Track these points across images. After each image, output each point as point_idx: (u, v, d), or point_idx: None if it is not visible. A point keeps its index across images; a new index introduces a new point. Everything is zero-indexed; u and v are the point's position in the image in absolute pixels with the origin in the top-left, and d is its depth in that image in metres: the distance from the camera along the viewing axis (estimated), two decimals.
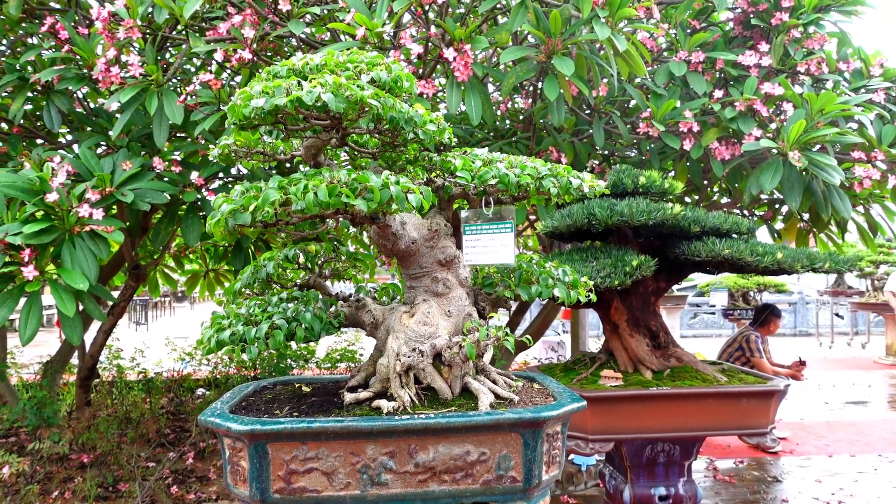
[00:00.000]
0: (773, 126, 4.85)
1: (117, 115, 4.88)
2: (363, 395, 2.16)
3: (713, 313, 11.99)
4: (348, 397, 2.16)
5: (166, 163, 4.76)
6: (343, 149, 2.51)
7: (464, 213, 2.33)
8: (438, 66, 4.50)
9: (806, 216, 6.19)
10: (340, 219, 2.15)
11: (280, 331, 2.09)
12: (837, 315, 9.55)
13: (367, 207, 1.84)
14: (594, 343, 7.07)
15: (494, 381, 2.28)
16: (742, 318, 7.48)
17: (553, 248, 6.34)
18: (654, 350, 4.44)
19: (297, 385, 2.55)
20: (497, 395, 2.18)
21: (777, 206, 6.17)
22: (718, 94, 4.76)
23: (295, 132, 2.17)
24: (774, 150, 4.60)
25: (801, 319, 11.04)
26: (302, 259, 2.51)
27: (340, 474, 1.99)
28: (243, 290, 2.46)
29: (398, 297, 2.65)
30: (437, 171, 2.32)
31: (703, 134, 4.81)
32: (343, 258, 2.58)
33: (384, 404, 2.06)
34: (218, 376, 7.34)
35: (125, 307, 6.43)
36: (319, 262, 2.56)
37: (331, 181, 1.83)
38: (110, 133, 4.93)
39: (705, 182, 5.68)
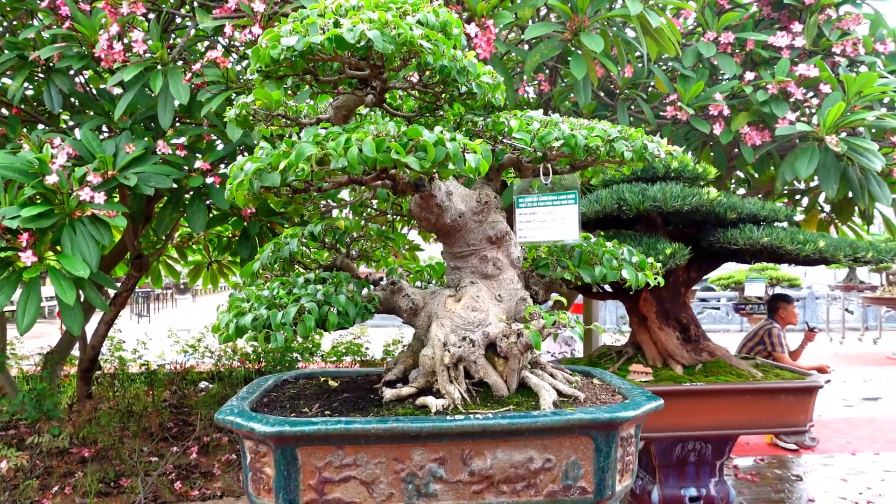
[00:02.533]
0: (805, 110, 4.52)
1: (120, 97, 4.52)
2: (405, 390, 1.81)
3: (718, 308, 11.69)
4: (388, 393, 1.81)
5: (171, 146, 4.42)
6: (373, 112, 2.16)
7: (518, 183, 1.98)
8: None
9: (828, 207, 5.87)
10: (379, 186, 1.80)
11: (311, 315, 1.73)
12: (847, 311, 9.26)
13: (420, 166, 1.48)
14: (607, 338, 6.72)
15: (552, 376, 1.93)
16: (754, 313, 7.16)
17: None
18: (684, 343, 4.10)
19: (322, 379, 2.20)
20: (559, 392, 1.83)
21: (798, 196, 5.85)
22: (750, 76, 4.42)
23: (326, 85, 1.81)
24: (809, 135, 4.28)
25: (811, 315, 10.72)
26: (328, 238, 2.16)
27: (382, 484, 1.63)
28: (262, 271, 2.10)
29: (434, 282, 2.30)
30: (486, 137, 1.97)
31: (733, 118, 4.47)
32: (373, 236, 2.22)
33: (432, 402, 1.71)
34: (221, 369, 6.97)
35: (127, 297, 6.05)
36: (348, 240, 2.20)
37: (377, 134, 1.47)
38: (113, 116, 4.58)
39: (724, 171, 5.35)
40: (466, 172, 1.58)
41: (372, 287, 2.06)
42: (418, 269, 2.29)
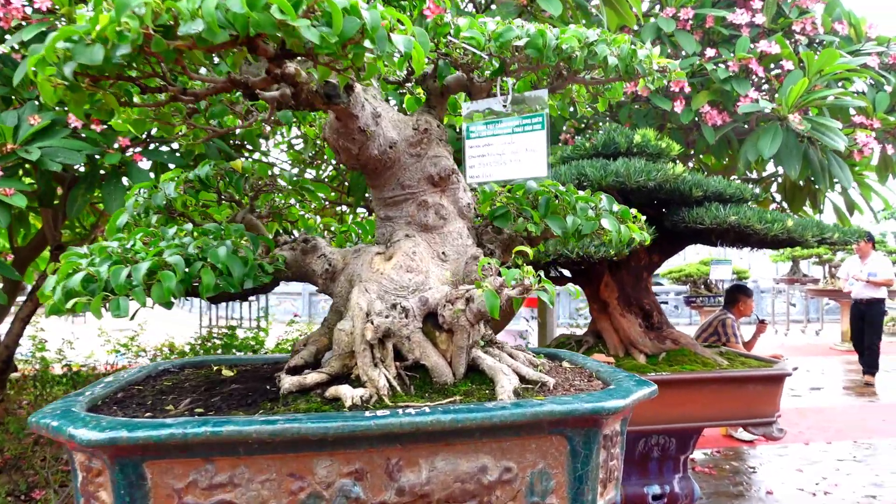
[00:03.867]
0: (766, 88, 4.17)
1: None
2: (312, 378, 1.24)
3: (666, 302, 11.45)
4: (287, 383, 1.24)
5: (84, 120, 3.75)
6: None
7: (466, 107, 1.45)
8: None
9: (778, 197, 5.57)
10: (276, 97, 1.24)
11: (172, 273, 1.16)
12: (791, 304, 9.13)
13: (321, 40, 0.93)
14: (563, 331, 6.25)
15: (512, 357, 1.40)
16: (704, 306, 6.86)
17: None
18: (647, 331, 3.64)
19: (214, 367, 1.61)
20: (522, 378, 1.30)
21: (751, 185, 5.53)
22: (710, 52, 4.03)
23: None
24: (772, 114, 3.92)
25: (757, 307, 10.60)
26: (223, 186, 1.58)
27: None
28: (134, 226, 1.51)
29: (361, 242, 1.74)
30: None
31: (694, 97, 4.07)
32: (285, 187, 1.65)
33: (346, 392, 1.16)
34: None
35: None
36: (250, 191, 1.63)
37: None
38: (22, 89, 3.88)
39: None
40: (392, 66, 1.04)
41: (279, 248, 1.50)
42: (344, 230, 1.73)
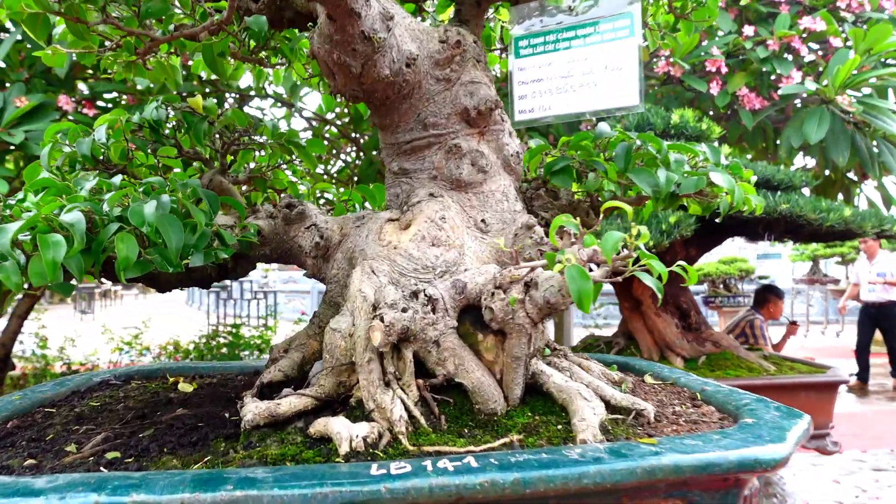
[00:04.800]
0: (809, 69, 3.68)
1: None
2: (287, 405, 0.76)
3: None
4: (252, 411, 0.76)
5: (76, 103, 3.37)
6: None
7: (515, 13, 0.97)
8: None
9: (806, 191, 5.07)
10: None
11: (62, 240, 0.69)
12: (809, 304, 8.59)
13: None
14: (579, 333, 5.75)
15: (582, 368, 0.92)
16: (724, 307, 6.34)
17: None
18: (684, 332, 3.15)
19: (170, 379, 1.14)
20: (605, 402, 0.82)
21: None
22: (749, 30, 3.54)
23: None
24: (811, 97, 3.43)
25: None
26: (182, 136, 1.11)
27: None
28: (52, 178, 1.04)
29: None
30: None
31: (730, 79, 3.58)
32: (268, 141, 1.18)
33: (341, 430, 0.68)
34: None
35: (43, 289, 4.83)
36: (219, 143, 1.16)
37: None
38: (9, 70, 3.48)
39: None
40: None
41: (255, 215, 1.03)
42: (345, 198, 1.25)
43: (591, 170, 0.98)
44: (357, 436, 0.68)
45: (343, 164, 5.22)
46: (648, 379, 1.07)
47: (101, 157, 1.05)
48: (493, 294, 0.78)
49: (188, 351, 5.93)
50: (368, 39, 0.84)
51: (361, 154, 4.92)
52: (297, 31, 1.17)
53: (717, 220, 1.08)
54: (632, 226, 0.66)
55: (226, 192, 1.18)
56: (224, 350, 5.55)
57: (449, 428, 0.76)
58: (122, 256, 0.73)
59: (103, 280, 0.86)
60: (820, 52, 3.56)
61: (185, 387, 1.08)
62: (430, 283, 0.85)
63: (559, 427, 0.77)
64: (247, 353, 5.72)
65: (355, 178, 5.04)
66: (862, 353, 6.79)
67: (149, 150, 1.17)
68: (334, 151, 5.22)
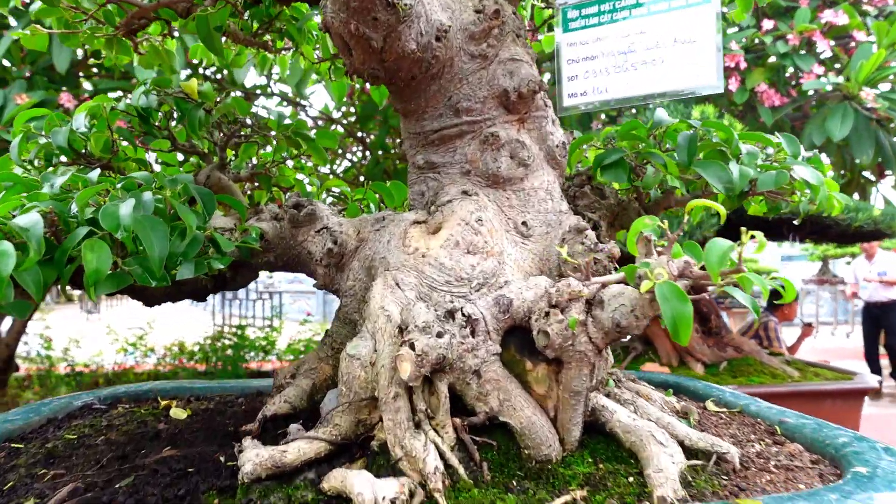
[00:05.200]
0: (831, 64, 3.51)
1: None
2: (295, 452, 0.61)
3: None
4: (251, 462, 0.60)
5: (78, 100, 3.27)
6: None
7: None
8: None
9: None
10: None
11: (12, 249, 0.53)
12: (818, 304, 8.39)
13: None
14: None
15: (642, 396, 0.77)
16: (733, 307, 6.17)
17: None
18: (705, 337, 2.99)
19: (162, 402, 0.98)
20: (681, 443, 0.67)
21: None
22: (768, 24, 3.38)
23: None
24: (831, 93, 3.27)
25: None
26: (176, 126, 0.96)
27: None
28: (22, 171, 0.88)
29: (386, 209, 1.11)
30: None
31: (748, 75, 3.42)
32: (267, 132, 1.03)
33: (364, 490, 0.54)
34: (165, 370, 5.61)
35: (47, 288, 4.68)
36: (218, 135, 1.00)
37: None
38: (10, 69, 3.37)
39: None
40: None
41: (258, 216, 0.87)
42: (359, 197, 1.10)
43: (645, 163, 0.83)
44: (384, 498, 0.52)
45: (350, 164, 5.07)
46: (711, 406, 0.91)
47: (84, 150, 0.90)
48: (546, 314, 0.62)
49: (193, 352, 5.79)
50: (392, 6, 0.69)
51: (367, 153, 4.77)
52: (306, 6, 1.02)
53: (794, 223, 0.92)
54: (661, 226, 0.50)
55: (225, 190, 1.03)
56: (229, 352, 5.41)
57: (493, 479, 0.61)
58: (91, 269, 0.57)
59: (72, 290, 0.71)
60: (836, 47, 3.39)
61: (178, 413, 0.93)
62: (467, 297, 0.69)
63: (630, 479, 0.61)
64: (252, 354, 5.58)
65: (361, 178, 4.89)
66: (871, 356, 6.59)
67: (139, 143, 1.02)
68: (340, 151, 5.07)
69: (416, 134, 0.82)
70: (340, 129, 4.81)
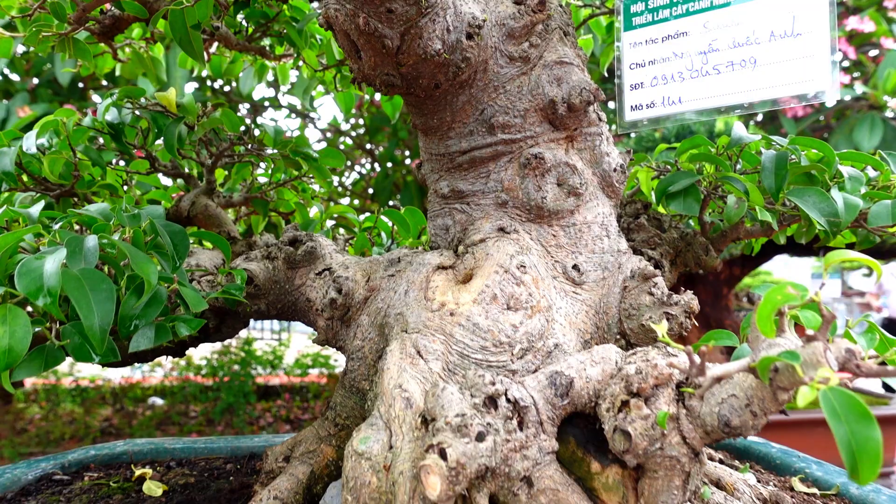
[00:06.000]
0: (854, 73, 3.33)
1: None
2: None
3: None
4: None
5: (83, 113, 3.06)
6: None
7: None
8: None
9: None
10: None
11: None
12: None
13: None
14: None
15: (719, 490, 0.59)
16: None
17: None
18: (730, 358, 2.80)
19: (136, 471, 0.81)
20: None
21: None
22: None
23: None
24: (853, 102, 3.09)
25: None
26: (152, 141, 0.80)
27: None
28: None
29: (395, 243, 0.94)
30: None
31: None
32: (263, 150, 0.86)
33: None
34: (172, 383, 5.47)
35: None
36: (205, 154, 0.84)
37: None
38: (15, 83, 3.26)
39: None
40: None
41: (250, 253, 0.71)
42: (368, 226, 0.93)
43: (714, 188, 0.65)
44: None
45: (359, 176, 4.92)
46: (798, 485, 0.73)
47: (39, 176, 0.74)
48: (624, 404, 0.45)
49: (199, 367, 5.64)
50: None
51: (377, 165, 4.62)
52: (308, 5, 0.86)
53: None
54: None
55: (212, 219, 0.86)
56: (236, 367, 5.27)
57: None
58: (2, 348, 0.41)
59: None
60: (862, 54, 3.21)
61: (153, 489, 0.75)
62: (507, 367, 0.52)
63: None
64: (258, 368, 5.42)
65: (370, 190, 4.74)
66: None
67: (114, 162, 0.86)
68: (349, 163, 4.92)
69: (440, 155, 0.65)
70: (349, 141, 4.67)
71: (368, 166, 4.84)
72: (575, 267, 0.62)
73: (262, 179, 1.01)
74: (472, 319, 0.55)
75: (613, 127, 0.69)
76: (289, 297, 0.70)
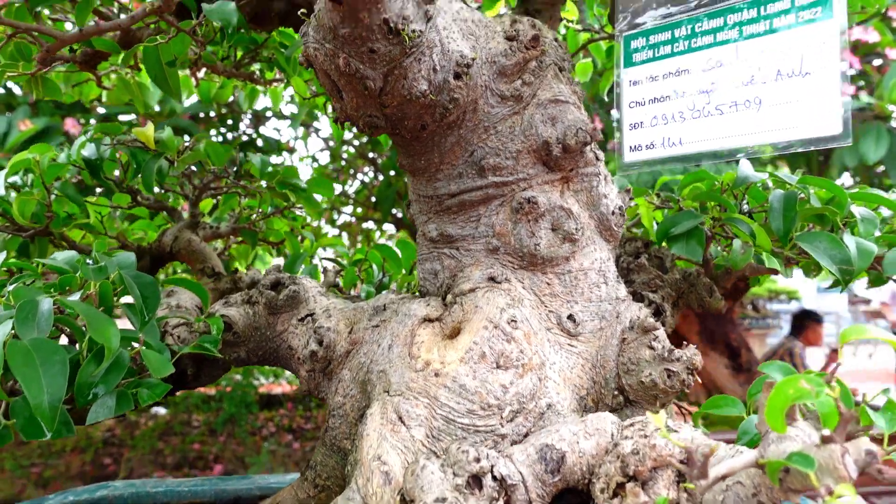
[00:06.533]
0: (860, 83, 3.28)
1: None
2: None
3: None
4: None
5: (83, 126, 3.11)
6: None
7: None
8: None
9: None
10: None
11: None
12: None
13: None
14: None
15: None
16: (752, 329, 5.88)
17: None
18: (735, 374, 2.75)
19: None
20: None
21: None
22: None
23: None
24: (859, 112, 3.04)
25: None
26: (132, 176, 0.76)
27: None
28: None
29: (388, 283, 0.90)
30: None
31: None
32: (249, 182, 0.83)
33: None
34: (175, 393, 5.41)
35: None
36: (189, 187, 0.81)
37: None
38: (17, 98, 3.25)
39: None
40: None
41: (222, 301, 0.67)
42: (359, 258, 0.89)
43: (719, 230, 0.61)
44: None
45: (361, 185, 4.90)
46: None
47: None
48: (619, 488, 0.41)
49: None
50: (395, 34, 0.48)
51: (379, 174, 4.60)
52: (294, 31, 0.82)
53: None
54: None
55: (196, 256, 0.82)
56: (238, 377, 5.23)
57: None
58: None
59: None
60: (867, 64, 3.17)
61: None
62: (496, 432, 0.48)
63: None
64: (260, 377, 5.38)
65: (373, 199, 4.71)
66: None
67: (94, 198, 0.82)
68: (352, 172, 4.90)
69: (428, 197, 0.61)
70: (352, 150, 4.64)
71: (371, 175, 4.81)
72: (570, 317, 0.58)
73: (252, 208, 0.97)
74: (459, 380, 0.51)
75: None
76: (270, 343, 0.66)
